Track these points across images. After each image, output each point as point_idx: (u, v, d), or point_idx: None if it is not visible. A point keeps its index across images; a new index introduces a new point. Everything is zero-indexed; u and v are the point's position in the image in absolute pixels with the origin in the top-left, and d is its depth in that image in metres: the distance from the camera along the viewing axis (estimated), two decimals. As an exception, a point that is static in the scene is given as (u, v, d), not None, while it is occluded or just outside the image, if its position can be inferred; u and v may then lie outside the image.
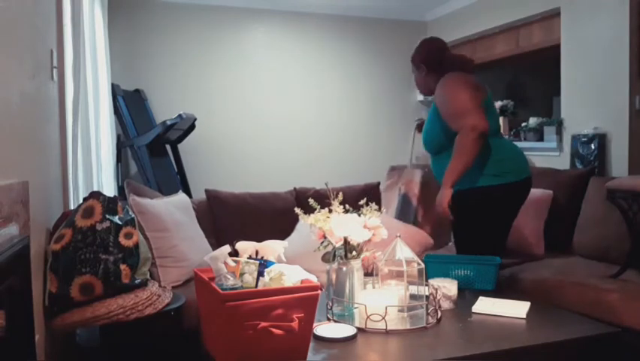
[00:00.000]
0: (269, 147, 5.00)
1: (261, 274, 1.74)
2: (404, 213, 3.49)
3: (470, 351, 1.68)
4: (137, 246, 2.18)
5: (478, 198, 2.46)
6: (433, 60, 2.62)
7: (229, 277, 1.67)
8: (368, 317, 1.87)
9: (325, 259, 2.04)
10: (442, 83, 2.51)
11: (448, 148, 2.45)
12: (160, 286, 2.33)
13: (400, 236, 2.02)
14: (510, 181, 2.44)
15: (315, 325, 1.73)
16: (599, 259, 2.85)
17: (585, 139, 3.54)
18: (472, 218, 2.49)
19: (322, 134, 5.17)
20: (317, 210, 2.01)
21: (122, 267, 2.09)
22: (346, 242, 1.96)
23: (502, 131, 3.11)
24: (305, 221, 2.02)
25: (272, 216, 3.20)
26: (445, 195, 2.41)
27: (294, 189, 3.43)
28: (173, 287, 2.49)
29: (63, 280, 2.02)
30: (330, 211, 2.00)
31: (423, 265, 1.99)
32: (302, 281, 1.69)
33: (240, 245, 1.88)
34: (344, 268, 1.98)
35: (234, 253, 1.83)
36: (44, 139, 2.21)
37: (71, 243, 2.05)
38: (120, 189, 3.88)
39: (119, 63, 4.38)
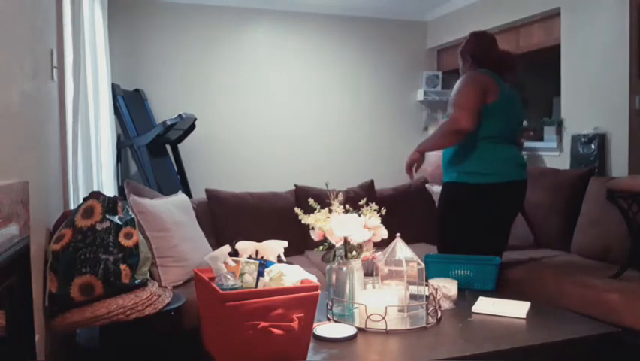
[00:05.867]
0: (269, 147, 5.00)
1: (261, 274, 1.74)
2: None
3: (470, 351, 1.68)
4: (137, 246, 2.18)
5: (449, 192, 2.69)
6: (481, 53, 2.71)
7: (229, 277, 1.67)
8: (368, 317, 1.87)
9: (325, 259, 2.03)
10: (462, 77, 2.67)
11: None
12: (160, 286, 2.33)
13: (400, 236, 2.02)
14: (480, 182, 2.55)
15: (315, 325, 1.73)
16: (599, 259, 2.85)
17: (585, 139, 3.54)
18: (445, 210, 2.70)
19: (323, 133, 5.17)
20: (317, 210, 2.01)
21: (122, 267, 2.09)
22: (346, 242, 1.96)
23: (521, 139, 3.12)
24: (305, 221, 2.02)
25: (272, 216, 3.20)
26: (411, 155, 2.66)
27: (295, 186, 3.43)
28: (173, 287, 2.49)
29: (63, 280, 2.01)
30: (330, 211, 2.00)
31: (423, 265, 1.99)
32: (302, 281, 1.69)
33: (240, 245, 1.88)
34: (344, 268, 1.98)
35: (234, 253, 1.83)
36: (44, 139, 2.20)
37: (71, 243, 2.05)
38: (120, 189, 3.88)
39: (119, 63, 4.38)
